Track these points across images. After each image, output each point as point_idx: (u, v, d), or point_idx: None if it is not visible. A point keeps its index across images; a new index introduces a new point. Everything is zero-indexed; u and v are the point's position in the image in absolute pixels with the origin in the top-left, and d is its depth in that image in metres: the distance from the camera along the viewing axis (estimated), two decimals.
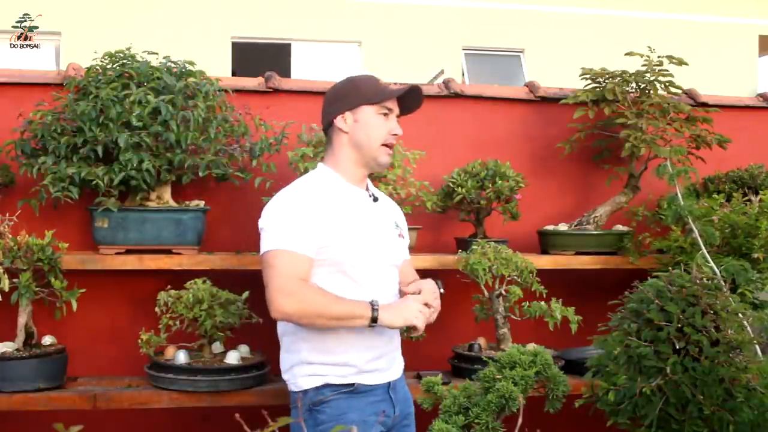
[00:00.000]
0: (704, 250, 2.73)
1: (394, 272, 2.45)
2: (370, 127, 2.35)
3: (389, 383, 2.39)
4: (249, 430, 1.14)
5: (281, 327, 2.40)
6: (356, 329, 2.27)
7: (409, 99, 2.43)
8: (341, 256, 2.27)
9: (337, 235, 2.26)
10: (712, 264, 2.63)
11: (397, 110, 2.41)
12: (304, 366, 2.31)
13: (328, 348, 2.29)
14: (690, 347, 1.91)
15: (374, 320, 2.21)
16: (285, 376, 2.39)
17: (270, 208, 2.33)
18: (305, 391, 2.30)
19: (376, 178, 2.84)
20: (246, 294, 2.83)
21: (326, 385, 2.29)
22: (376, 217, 2.40)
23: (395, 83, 3.43)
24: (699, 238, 2.80)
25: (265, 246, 2.26)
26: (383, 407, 2.34)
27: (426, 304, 2.31)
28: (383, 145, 2.37)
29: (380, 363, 2.36)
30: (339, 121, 2.37)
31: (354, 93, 2.37)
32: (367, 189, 2.45)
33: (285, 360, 2.39)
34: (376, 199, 2.44)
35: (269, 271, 2.22)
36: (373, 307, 2.21)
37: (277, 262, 2.21)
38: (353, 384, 2.30)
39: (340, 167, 2.38)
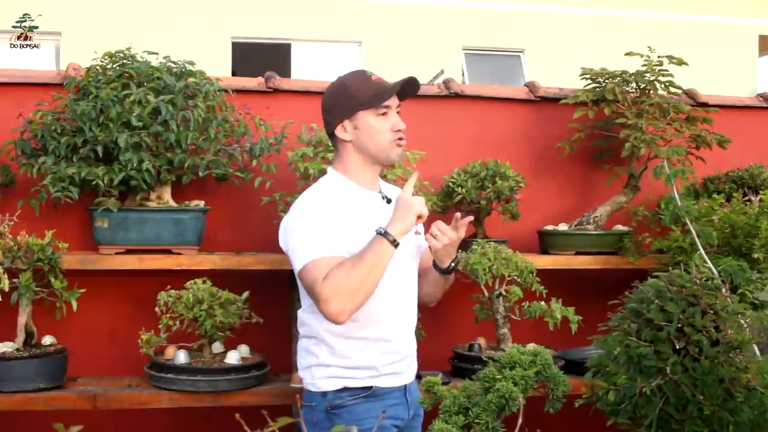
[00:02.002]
0: (702, 251, 2.73)
1: (412, 271, 2.45)
2: (372, 130, 2.31)
3: (405, 386, 2.39)
4: (249, 430, 1.14)
5: (301, 329, 2.39)
6: (375, 336, 2.29)
7: (407, 87, 2.37)
8: None
9: (351, 244, 2.24)
10: (709, 264, 2.63)
11: (395, 102, 2.35)
12: (323, 368, 2.30)
13: (346, 353, 2.29)
14: (690, 347, 1.91)
15: (393, 243, 2.17)
16: (302, 373, 2.38)
17: (288, 225, 2.30)
18: (324, 393, 2.29)
19: None
20: (246, 294, 2.83)
21: (345, 389, 2.28)
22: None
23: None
24: (696, 239, 2.80)
25: (297, 265, 2.23)
26: (399, 410, 2.34)
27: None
28: (390, 142, 2.33)
29: (399, 366, 2.36)
30: (340, 131, 2.33)
31: (348, 99, 2.31)
32: (380, 190, 2.42)
33: (303, 359, 2.37)
34: (389, 201, 2.40)
35: (311, 287, 2.18)
36: (382, 234, 2.16)
37: (312, 275, 2.17)
38: (371, 387, 2.29)
39: (350, 172, 2.36)
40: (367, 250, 2.16)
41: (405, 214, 2.19)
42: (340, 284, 2.13)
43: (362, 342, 2.29)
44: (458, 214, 2.39)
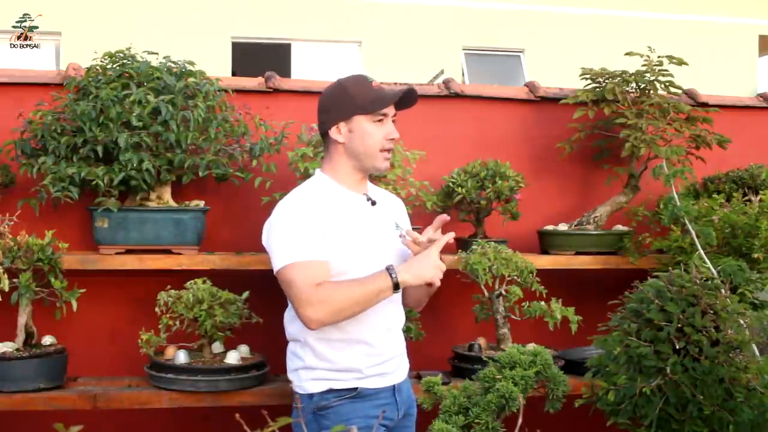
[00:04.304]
0: (701, 251, 2.73)
1: None
2: (366, 136, 2.31)
3: (394, 386, 2.39)
4: (249, 430, 1.14)
5: (288, 332, 2.40)
6: (356, 339, 2.30)
7: (406, 97, 2.38)
8: (343, 266, 2.27)
9: (336, 246, 2.25)
10: (708, 264, 2.63)
11: (392, 112, 2.36)
12: (308, 371, 2.32)
13: (329, 356, 2.30)
14: (690, 347, 1.91)
15: (396, 286, 2.21)
16: (290, 376, 2.40)
17: (271, 224, 2.31)
18: (311, 395, 2.31)
19: (376, 177, 2.84)
20: (246, 294, 2.83)
21: (330, 390, 2.29)
22: (375, 223, 2.38)
23: (395, 83, 3.44)
24: (696, 239, 2.80)
25: (277, 264, 2.24)
26: (387, 410, 2.34)
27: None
28: (381, 150, 2.34)
29: (386, 367, 2.36)
30: (333, 132, 2.33)
31: (346, 102, 2.32)
32: (366, 192, 2.42)
33: (291, 361, 2.40)
34: (374, 203, 2.41)
35: (288, 288, 2.22)
36: (390, 274, 2.21)
37: (293, 276, 2.20)
38: (356, 388, 2.30)
39: (338, 175, 2.37)
40: (369, 282, 2.21)
41: (421, 272, 2.23)
42: (333, 298, 2.18)
43: (343, 344, 2.30)
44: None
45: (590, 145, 3.55)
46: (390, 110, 2.35)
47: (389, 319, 2.39)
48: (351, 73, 2.48)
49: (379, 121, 2.32)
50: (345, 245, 2.27)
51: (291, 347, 2.40)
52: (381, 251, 2.36)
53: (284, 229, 2.26)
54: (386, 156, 2.36)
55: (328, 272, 2.24)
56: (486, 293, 2.95)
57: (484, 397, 1.99)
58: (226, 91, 3.05)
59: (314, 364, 2.31)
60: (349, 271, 2.27)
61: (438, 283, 2.27)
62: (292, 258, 2.21)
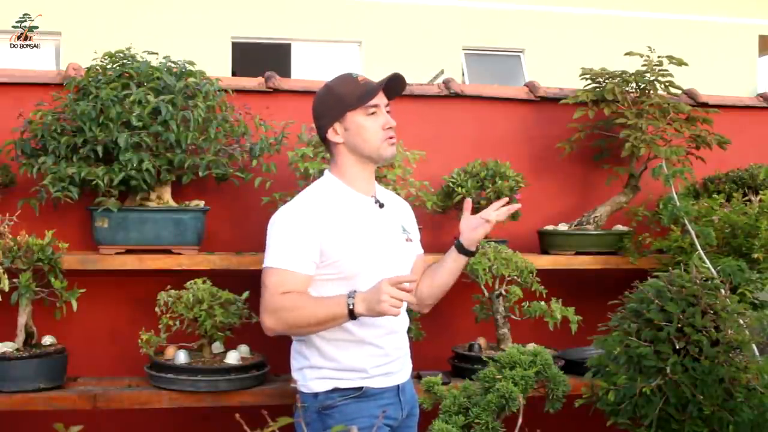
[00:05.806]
0: (701, 251, 2.73)
1: None
2: (362, 130, 2.32)
3: (398, 386, 2.39)
4: (249, 430, 1.14)
5: None
6: (362, 340, 2.30)
7: (393, 84, 2.37)
8: (352, 269, 2.27)
9: (344, 249, 2.26)
10: (708, 264, 2.63)
11: (384, 101, 2.35)
12: (314, 370, 2.32)
13: (334, 356, 2.30)
14: (690, 347, 1.91)
15: (351, 315, 2.16)
16: (295, 375, 2.40)
17: (272, 223, 2.33)
18: (316, 394, 2.31)
19: (376, 178, 2.84)
20: (246, 294, 2.83)
21: (335, 390, 2.30)
22: (382, 226, 2.38)
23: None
24: (696, 239, 2.80)
25: (264, 262, 2.28)
26: (392, 410, 2.35)
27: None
28: (383, 140, 2.33)
29: (390, 367, 2.36)
30: (331, 135, 2.34)
31: (335, 103, 2.33)
32: (374, 194, 2.42)
33: (295, 360, 2.40)
34: (381, 206, 2.41)
35: (262, 289, 2.26)
36: (349, 303, 2.15)
37: (268, 280, 2.24)
38: (361, 388, 2.30)
39: (346, 175, 2.37)
40: (328, 305, 2.20)
41: (373, 306, 2.11)
42: (288, 313, 2.21)
43: (350, 345, 2.30)
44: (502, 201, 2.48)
45: (590, 145, 3.55)
46: (381, 100, 2.34)
47: (394, 321, 2.39)
48: (330, 76, 2.47)
49: (373, 113, 2.32)
50: (353, 248, 2.27)
51: (296, 346, 2.40)
52: (389, 254, 2.36)
53: (277, 232, 2.29)
54: (390, 142, 2.35)
55: (303, 285, 2.25)
56: (486, 293, 2.95)
57: (484, 397, 1.99)
58: (226, 91, 3.05)
59: (319, 363, 2.31)
60: (360, 274, 2.27)
61: (395, 312, 2.11)
62: (272, 263, 2.25)
